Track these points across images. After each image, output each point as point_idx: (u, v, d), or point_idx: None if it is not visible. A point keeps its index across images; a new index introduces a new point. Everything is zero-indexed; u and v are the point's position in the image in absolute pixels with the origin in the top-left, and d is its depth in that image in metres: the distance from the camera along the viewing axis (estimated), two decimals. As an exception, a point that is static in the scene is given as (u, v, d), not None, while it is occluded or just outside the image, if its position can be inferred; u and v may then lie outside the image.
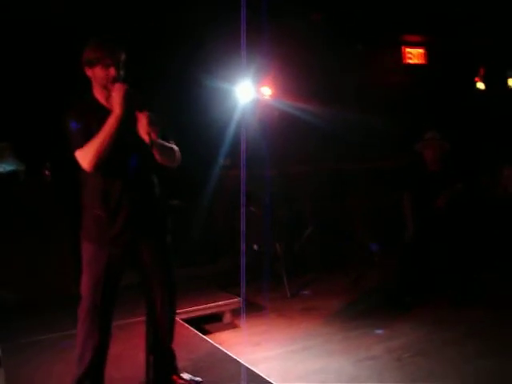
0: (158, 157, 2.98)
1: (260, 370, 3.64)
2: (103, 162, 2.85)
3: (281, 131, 7.29)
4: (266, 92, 7.20)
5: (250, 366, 3.62)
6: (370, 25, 8.07)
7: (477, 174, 6.88)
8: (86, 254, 3.03)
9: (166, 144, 3.07)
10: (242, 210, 5.44)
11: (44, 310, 4.91)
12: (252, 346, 4.47)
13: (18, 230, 5.28)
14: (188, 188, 6.46)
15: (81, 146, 2.85)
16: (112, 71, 2.91)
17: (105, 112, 2.91)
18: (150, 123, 2.82)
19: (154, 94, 2.98)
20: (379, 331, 4.63)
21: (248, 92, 6.33)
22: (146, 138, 2.84)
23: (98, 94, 3.01)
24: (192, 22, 6.74)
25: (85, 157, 2.84)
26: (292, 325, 4.96)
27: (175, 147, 3.16)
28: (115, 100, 2.85)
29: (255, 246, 6.51)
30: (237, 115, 6.25)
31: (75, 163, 2.96)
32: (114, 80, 2.91)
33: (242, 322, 5.04)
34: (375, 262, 6.78)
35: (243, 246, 5.30)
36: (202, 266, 6.58)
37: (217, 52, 6.66)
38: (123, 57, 2.99)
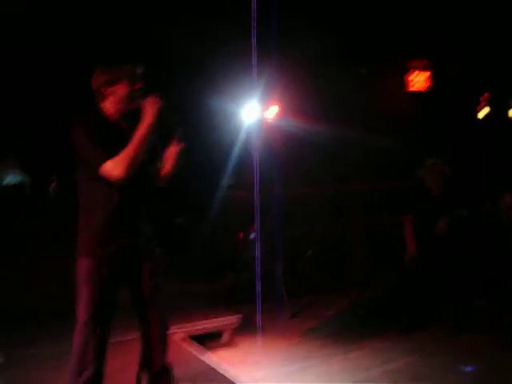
0: (161, 181, 3.14)
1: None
2: (134, 171, 2.91)
3: (285, 151, 7.34)
4: (272, 112, 7.25)
5: (247, 385, 3.65)
6: (375, 49, 8.14)
7: (478, 201, 6.90)
8: (82, 271, 3.02)
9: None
10: (257, 228, 5.49)
11: (46, 323, 4.94)
12: (250, 365, 4.48)
13: (22, 243, 5.33)
14: (193, 207, 6.51)
15: (108, 157, 2.86)
16: (139, 85, 3.04)
17: (115, 126, 3.02)
18: (178, 156, 3.02)
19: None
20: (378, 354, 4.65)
21: (254, 112, 6.38)
22: (168, 164, 3.04)
23: (111, 109, 3.05)
24: (197, 41, 6.83)
25: (117, 166, 2.86)
26: (291, 345, 4.97)
27: None
28: (148, 110, 2.93)
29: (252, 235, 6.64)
30: (242, 135, 6.31)
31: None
32: (141, 93, 3.02)
33: (241, 340, 5.06)
34: (374, 284, 6.79)
35: (258, 265, 5.33)
36: (205, 282, 6.62)
37: (222, 71, 6.73)
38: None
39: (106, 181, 2.92)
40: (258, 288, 4.90)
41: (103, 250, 3.00)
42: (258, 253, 5.40)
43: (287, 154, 7.37)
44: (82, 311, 3.00)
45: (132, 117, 3.07)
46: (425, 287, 5.29)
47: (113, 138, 2.94)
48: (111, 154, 2.87)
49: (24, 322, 4.95)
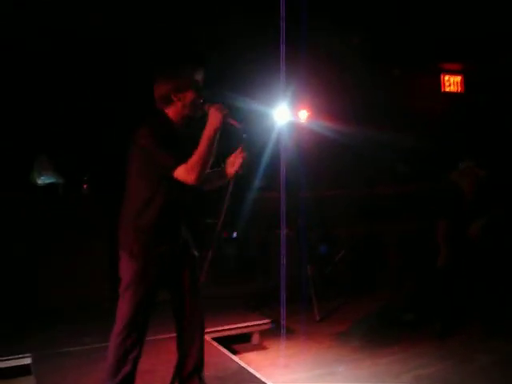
0: (213, 185, 3.24)
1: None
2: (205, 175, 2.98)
3: (316, 153, 7.31)
4: (303, 114, 7.22)
5: (277, 388, 3.64)
6: (408, 51, 8.08)
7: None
8: (128, 272, 3.04)
9: None
10: (282, 232, 5.47)
11: (74, 321, 5.01)
12: (280, 368, 4.47)
13: (54, 242, 5.41)
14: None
15: (179, 161, 2.91)
16: (203, 94, 3.08)
17: (179, 131, 3.09)
18: (244, 162, 3.10)
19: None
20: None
21: (285, 114, 6.34)
22: (231, 169, 3.14)
23: (176, 115, 3.09)
24: (227, 42, 6.85)
25: (191, 172, 2.90)
26: (321, 348, 4.95)
27: None
28: (216, 116, 2.96)
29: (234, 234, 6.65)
30: (273, 137, 6.29)
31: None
32: (204, 100, 3.07)
33: (270, 343, 5.05)
34: (406, 288, 6.71)
35: (283, 269, 5.31)
36: (234, 285, 6.63)
37: (253, 73, 6.74)
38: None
39: (165, 182, 2.97)
40: (283, 291, 4.88)
41: (153, 252, 3.03)
42: (283, 256, 5.37)
43: (318, 156, 7.34)
44: (125, 312, 3.01)
45: (193, 123, 3.14)
46: (457, 292, 5.22)
47: (179, 143, 3.00)
48: (181, 158, 2.91)
49: (51, 319, 5.03)
